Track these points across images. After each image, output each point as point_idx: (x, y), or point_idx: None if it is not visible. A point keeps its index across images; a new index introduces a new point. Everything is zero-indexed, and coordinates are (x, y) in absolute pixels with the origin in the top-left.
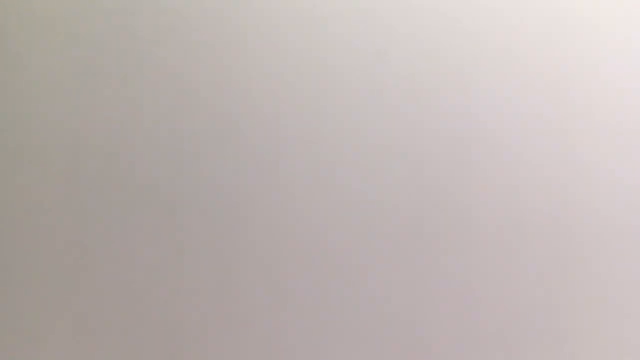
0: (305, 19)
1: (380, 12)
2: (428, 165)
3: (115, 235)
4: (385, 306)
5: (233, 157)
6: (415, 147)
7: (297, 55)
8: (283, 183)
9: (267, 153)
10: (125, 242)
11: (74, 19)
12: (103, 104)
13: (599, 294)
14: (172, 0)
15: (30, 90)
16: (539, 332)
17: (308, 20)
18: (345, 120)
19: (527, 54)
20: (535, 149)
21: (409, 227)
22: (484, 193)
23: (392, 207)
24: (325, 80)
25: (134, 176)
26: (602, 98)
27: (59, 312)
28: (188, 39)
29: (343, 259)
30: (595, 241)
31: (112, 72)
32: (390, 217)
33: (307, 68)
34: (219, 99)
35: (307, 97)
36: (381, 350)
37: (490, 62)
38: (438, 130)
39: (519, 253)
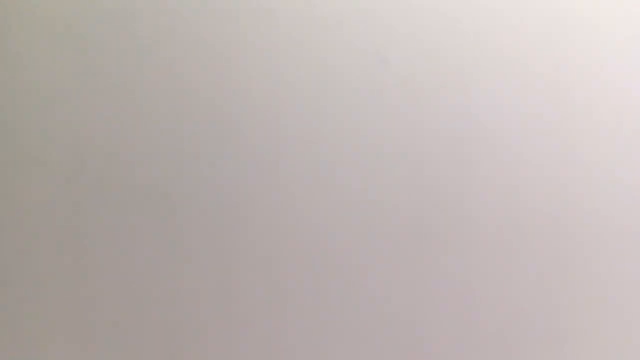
0: (305, 20)
1: (380, 12)
2: (428, 165)
3: (116, 235)
4: (386, 306)
5: (233, 158)
6: (415, 147)
7: (297, 56)
8: (283, 183)
9: (267, 153)
10: (126, 242)
11: (74, 19)
12: (103, 104)
13: (599, 294)
14: (173, 0)
15: (31, 90)
16: (539, 332)
17: (308, 21)
18: (346, 120)
19: (527, 54)
20: (535, 149)
21: (409, 227)
22: (484, 193)
23: (392, 207)
24: (326, 80)
25: (134, 176)
26: (602, 98)
27: (60, 312)
28: (189, 39)
29: (343, 258)
30: (595, 241)
31: (112, 73)
32: (391, 217)
33: (307, 68)
34: (219, 99)
35: (308, 97)
36: (381, 350)
37: (490, 62)
38: (438, 130)
39: (519, 253)
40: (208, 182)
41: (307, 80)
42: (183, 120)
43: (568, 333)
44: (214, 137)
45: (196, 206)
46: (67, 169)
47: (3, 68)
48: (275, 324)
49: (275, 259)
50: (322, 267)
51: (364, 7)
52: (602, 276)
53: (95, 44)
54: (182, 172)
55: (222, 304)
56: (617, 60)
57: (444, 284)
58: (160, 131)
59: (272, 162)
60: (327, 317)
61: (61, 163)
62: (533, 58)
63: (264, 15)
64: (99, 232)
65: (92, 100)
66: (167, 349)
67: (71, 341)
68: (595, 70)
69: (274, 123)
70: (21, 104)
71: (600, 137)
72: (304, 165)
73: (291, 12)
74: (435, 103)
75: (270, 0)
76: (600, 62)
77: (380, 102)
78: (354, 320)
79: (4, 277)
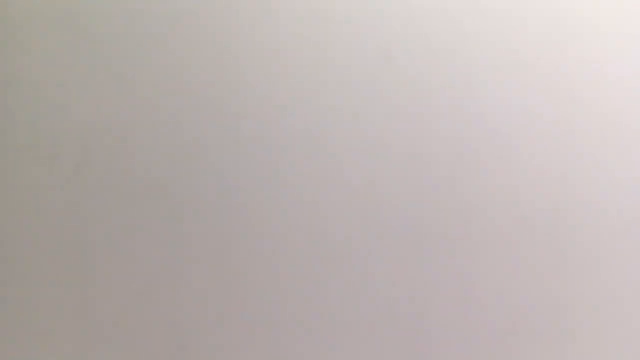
0: (309, 16)
1: (383, 13)
2: (430, 165)
3: (117, 235)
4: (387, 306)
5: (237, 157)
6: (418, 144)
7: (301, 53)
8: (285, 182)
9: (270, 152)
10: (126, 241)
11: (79, 11)
12: (104, 104)
13: (599, 294)
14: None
15: (34, 84)
16: (540, 331)
17: (312, 18)
18: (349, 117)
19: (528, 54)
20: (535, 149)
21: (411, 226)
22: (485, 193)
23: (394, 205)
24: (329, 77)
25: (136, 176)
26: (602, 98)
27: (60, 312)
28: (194, 32)
29: (347, 257)
30: (596, 241)
31: (114, 71)
32: (392, 215)
33: (311, 65)
34: (223, 94)
35: (311, 94)
36: (381, 350)
37: (490, 62)
38: (440, 127)
39: (520, 252)
40: (212, 178)
41: (310, 77)
42: (187, 114)
43: (569, 332)
44: (218, 135)
45: (200, 203)
46: (68, 169)
47: (3, 68)
48: (276, 323)
49: (277, 257)
50: (325, 266)
51: (368, 4)
52: (602, 276)
53: (96, 43)
54: (186, 172)
55: (224, 303)
56: (617, 60)
57: (446, 284)
58: (164, 125)
59: (275, 161)
60: (330, 316)
61: (63, 162)
62: (533, 58)
63: (268, 12)
64: (100, 231)
65: (96, 94)
66: (167, 349)
67: (73, 341)
68: (596, 70)
69: (276, 120)
70: (24, 98)
71: (600, 137)
72: (307, 162)
73: (295, 8)
74: (437, 101)
75: (274, 0)
76: (600, 62)
77: (383, 99)
78: (357, 320)
79: (4, 277)
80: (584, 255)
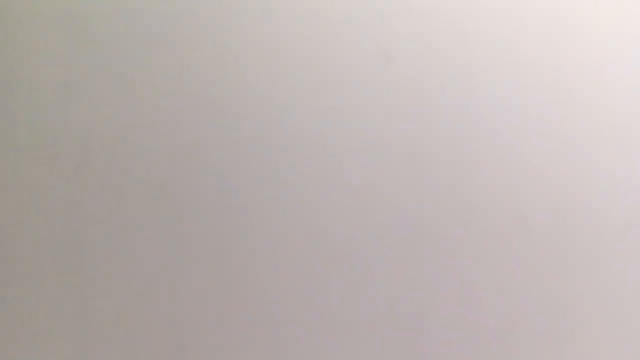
0: (309, 16)
1: (383, 13)
2: (430, 165)
3: (117, 235)
4: (387, 306)
5: (237, 157)
6: (416, 147)
7: (301, 56)
8: (285, 182)
9: (270, 152)
10: (126, 241)
11: (80, 11)
12: (104, 104)
13: (600, 294)
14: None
15: (35, 84)
16: (540, 331)
17: (312, 17)
18: (349, 117)
19: (528, 54)
20: (535, 149)
21: (411, 226)
22: (485, 193)
23: (394, 207)
24: (329, 77)
25: (136, 176)
26: (602, 98)
27: (61, 312)
28: (195, 32)
29: (347, 257)
30: (596, 241)
31: (114, 71)
32: (392, 215)
33: (311, 65)
34: (223, 94)
35: (311, 94)
36: (381, 350)
37: (491, 63)
38: (440, 127)
39: (520, 252)
40: (212, 178)
41: (310, 77)
42: (187, 114)
43: (569, 332)
44: (219, 136)
45: (200, 203)
46: (68, 169)
47: (5, 61)
48: (276, 323)
49: (277, 257)
50: (325, 266)
51: (368, 4)
52: (602, 276)
53: (96, 43)
54: (187, 167)
55: (224, 303)
56: (617, 60)
57: (446, 284)
58: (164, 125)
59: (275, 161)
60: (330, 316)
61: (63, 162)
62: (533, 58)
63: (268, 12)
64: (101, 231)
65: (96, 94)
66: (167, 349)
67: (73, 341)
68: (596, 70)
69: (276, 120)
70: (24, 98)
71: (600, 137)
72: (307, 162)
73: (295, 8)
74: (437, 101)
75: (275, 0)
76: (600, 62)
77: (384, 99)
78: (357, 320)
79: (4, 277)
80: (584, 255)
